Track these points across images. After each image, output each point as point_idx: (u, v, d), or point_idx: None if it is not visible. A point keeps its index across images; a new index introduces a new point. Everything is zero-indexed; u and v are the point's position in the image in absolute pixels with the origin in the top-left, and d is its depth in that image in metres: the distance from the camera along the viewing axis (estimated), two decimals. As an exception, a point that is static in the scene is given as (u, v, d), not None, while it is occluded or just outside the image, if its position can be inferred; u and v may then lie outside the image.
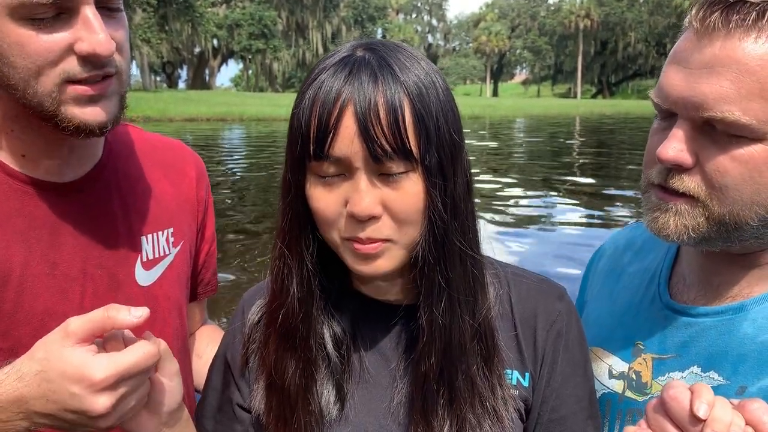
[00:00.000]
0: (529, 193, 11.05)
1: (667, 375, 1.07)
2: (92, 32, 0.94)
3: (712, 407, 0.74)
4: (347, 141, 0.82)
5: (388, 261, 0.89)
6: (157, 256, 1.22)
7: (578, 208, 9.92)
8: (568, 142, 22.93)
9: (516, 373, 0.99)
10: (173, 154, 1.35)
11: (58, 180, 1.09)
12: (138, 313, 0.83)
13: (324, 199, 0.87)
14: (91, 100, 0.98)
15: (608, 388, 1.15)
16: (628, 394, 1.12)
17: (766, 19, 0.88)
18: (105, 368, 0.80)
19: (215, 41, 70.61)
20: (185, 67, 77.57)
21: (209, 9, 64.20)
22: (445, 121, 0.86)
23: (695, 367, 1.03)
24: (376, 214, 0.85)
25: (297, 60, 78.35)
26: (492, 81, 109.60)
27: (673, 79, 0.95)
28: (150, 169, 1.27)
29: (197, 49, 70.14)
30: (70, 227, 1.09)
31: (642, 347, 1.12)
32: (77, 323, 0.83)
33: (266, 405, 0.99)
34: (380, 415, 0.97)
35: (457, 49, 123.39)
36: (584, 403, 1.01)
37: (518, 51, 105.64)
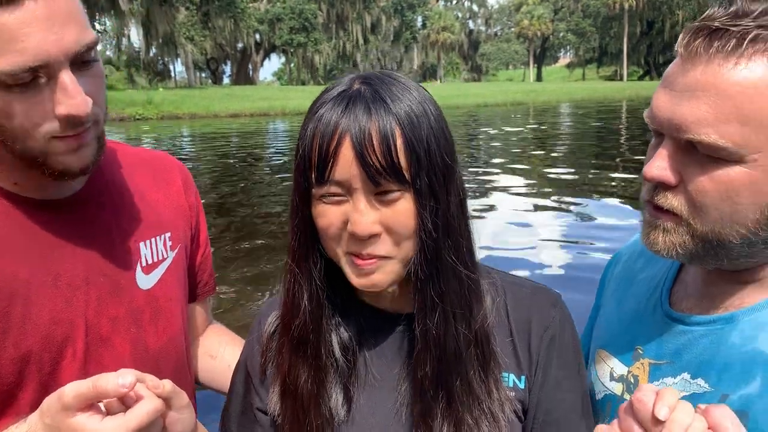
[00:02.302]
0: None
1: (661, 380, 1.11)
2: (69, 97, 0.99)
3: (673, 410, 0.79)
4: (346, 166, 0.90)
5: (385, 276, 0.96)
6: (156, 260, 1.30)
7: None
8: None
9: (512, 376, 1.05)
10: (159, 164, 1.42)
11: (52, 197, 1.17)
12: (127, 381, 0.87)
13: (327, 217, 0.94)
14: (74, 150, 1.06)
15: (609, 389, 1.20)
16: (626, 396, 1.16)
17: (744, 46, 0.91)
18: None
19: (257, 36, 71.38)
20: (229, 63, 78.71)
21: (250, 4, 64.95)
22: (437, 146, 0.93)
23: (686, 373, 1.07)
24: (376, 232, 0.92)
25: (338, 52, 78.58)
26: (535, 65, 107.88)
27: (660, 100, 1.00)
28: (139, 180, 1.34)
29: (240, 45, 71.03)
30: (70, 240, 1.17)
31: (641, 352, 1.16)
32: (69, 396, 0.87)
33: (281, 409, 1.07)
34: (385, 416, 1.04)
35: (499, 34, 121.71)
36: (577, 405, 1.08)
37: (561, 34, 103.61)
